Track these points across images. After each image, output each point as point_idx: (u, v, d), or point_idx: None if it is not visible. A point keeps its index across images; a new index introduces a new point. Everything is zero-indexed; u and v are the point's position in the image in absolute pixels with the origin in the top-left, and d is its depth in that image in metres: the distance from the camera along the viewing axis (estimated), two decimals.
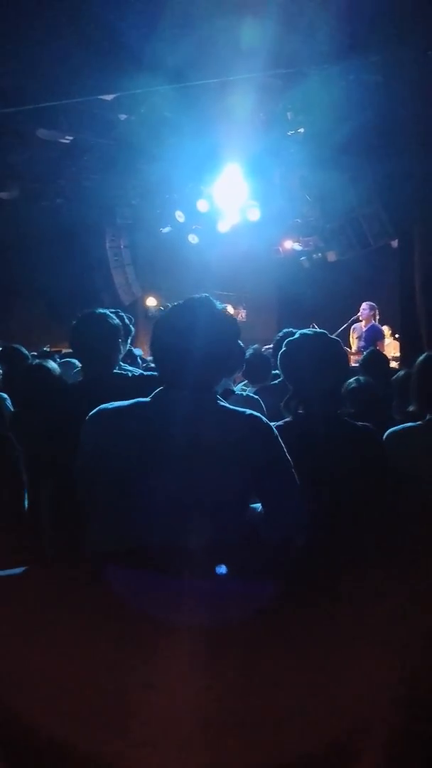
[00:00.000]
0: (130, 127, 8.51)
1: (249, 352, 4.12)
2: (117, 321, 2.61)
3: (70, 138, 8.96)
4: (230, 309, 12.51)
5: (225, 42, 5.64)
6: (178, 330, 1.69)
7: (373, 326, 8.43)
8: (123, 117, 8.57)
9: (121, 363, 3.09)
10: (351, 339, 8.66)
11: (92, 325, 2.58)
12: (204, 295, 1.75)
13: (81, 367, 2.89)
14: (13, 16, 5.57)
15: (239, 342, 1.98)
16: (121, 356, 2.81)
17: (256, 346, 4.34)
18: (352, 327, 8.72)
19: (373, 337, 8.26)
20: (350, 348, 8.49)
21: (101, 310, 2.62)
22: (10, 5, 5.55)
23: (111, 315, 2.61)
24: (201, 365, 1.67)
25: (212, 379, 1.74)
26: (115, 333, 2.58)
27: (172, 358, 1.70)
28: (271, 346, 4.72)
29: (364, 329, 8.48)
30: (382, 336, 8.42)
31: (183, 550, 1.55)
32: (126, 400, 1.76)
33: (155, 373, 2.23)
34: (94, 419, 1.73)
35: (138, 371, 3.05)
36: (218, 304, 1.74)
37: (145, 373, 2.96)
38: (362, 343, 8.32)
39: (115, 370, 2.69)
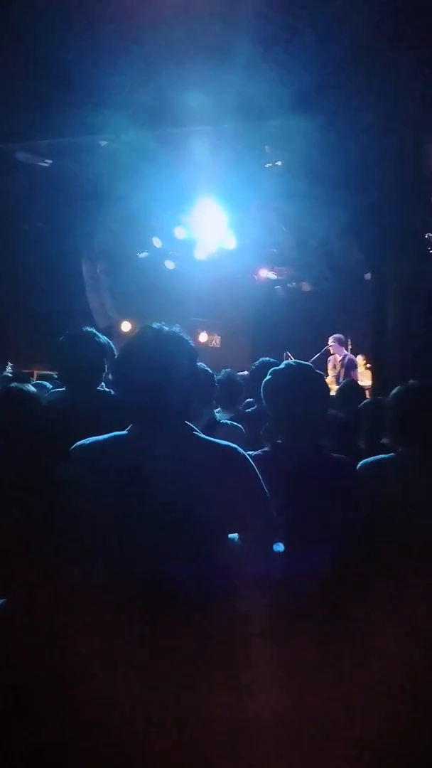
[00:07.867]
0: (111, 153, 8.59)
1: (220, 376, 4.08)
2: (104, 339, 2.61)
3: (50, 162, 9.01)
4: (205, 335, 12.58)
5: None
6: (144, 366, 1.67)
7: (347, 356, 8.84)
8: (103, 143, 8.67)
9: (104, 384, 3.07)
10: (327, 369, 9.01)
11: (80, 342, 2.58)
12: (158, 324, 1.72)
13: (65, 384, 2.84)
14: None
15: (206, 368, 1.97)
16: (105, 375, 2.80)
17: (228, 369, 4.32)
18: (328, 358, 9.02)
19: (348, 367, 8.63)
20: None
21: (88, 329, 2.62)
22: None
23: (98, 333, 2.60)
24: (171, 397, 1.65)
25: (185, 408, 1.72)
26: (102, 351, 2.58)
27: (142, 395, 1.67)
28: (246, 372, 4.72)
29: (339, 359, 8.84)
30: (355, 366, 8.70)
31: (166, 582, 1.55)
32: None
33: None
34: (73, 457, 1.69)
35: None
36: (174, 330, 1.71)
37: None
38: (337, 373, 8.71)
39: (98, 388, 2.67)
